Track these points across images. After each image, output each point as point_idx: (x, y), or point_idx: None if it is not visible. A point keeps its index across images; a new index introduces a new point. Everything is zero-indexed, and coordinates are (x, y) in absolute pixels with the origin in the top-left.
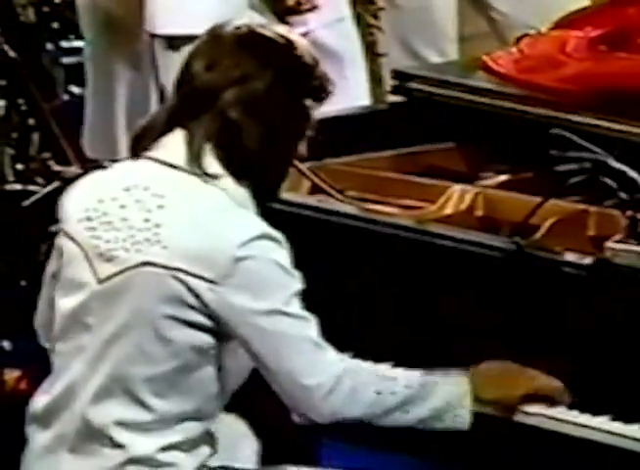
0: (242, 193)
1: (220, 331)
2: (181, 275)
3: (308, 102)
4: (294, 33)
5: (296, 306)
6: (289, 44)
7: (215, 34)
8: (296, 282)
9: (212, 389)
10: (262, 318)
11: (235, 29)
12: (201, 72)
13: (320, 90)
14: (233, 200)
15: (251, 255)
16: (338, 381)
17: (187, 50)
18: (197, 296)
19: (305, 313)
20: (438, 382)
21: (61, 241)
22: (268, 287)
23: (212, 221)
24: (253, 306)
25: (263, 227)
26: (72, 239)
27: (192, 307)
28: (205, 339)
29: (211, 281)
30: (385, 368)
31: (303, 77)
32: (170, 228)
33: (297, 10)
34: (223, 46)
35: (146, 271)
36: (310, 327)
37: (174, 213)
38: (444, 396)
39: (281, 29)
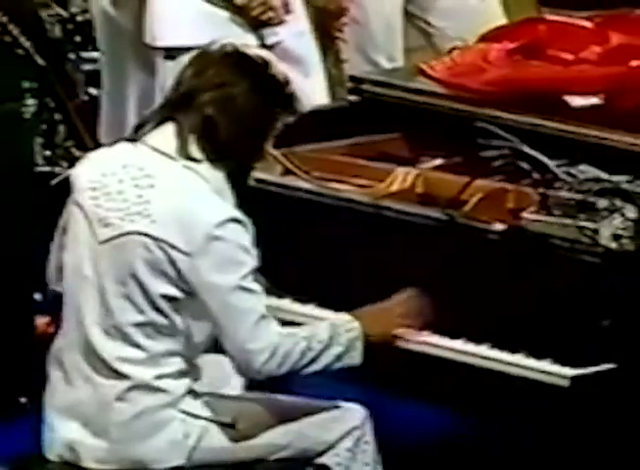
0: (218, 179)
1: (188, 290)
2: (164, 246)
3: (278, 110)
4: (271, 56)
5: (250, 282)
6: (265, 64)
7: (205, 50)
8: (253, 261)
9: (192, 333)
10: (222, 290)
11: (222, 47)
12: (188, 79)
13: (289, 103)
14: (210, 186)
15: (223, 236)
16: (275, 348)
17: (181, 59)
18: (174, 263)
19: (257, 288)
20: (340, 332)
21: (70, 206)
22: (231, 265)
23: (193, 203)
24: (217, 280)
25: (234, 212)
26: (79, 205)
27: (169, 269)
28: (177, 292)
29: (188, 254)
30: (306, 327)
31: (275, 91)
32: (158, 205)
33: (268, 23)
34: (210, 59)
35: (136, 239)
36: (260, 301)
37: (162, 193)
38: (344, 342)
39: (261, 52)
